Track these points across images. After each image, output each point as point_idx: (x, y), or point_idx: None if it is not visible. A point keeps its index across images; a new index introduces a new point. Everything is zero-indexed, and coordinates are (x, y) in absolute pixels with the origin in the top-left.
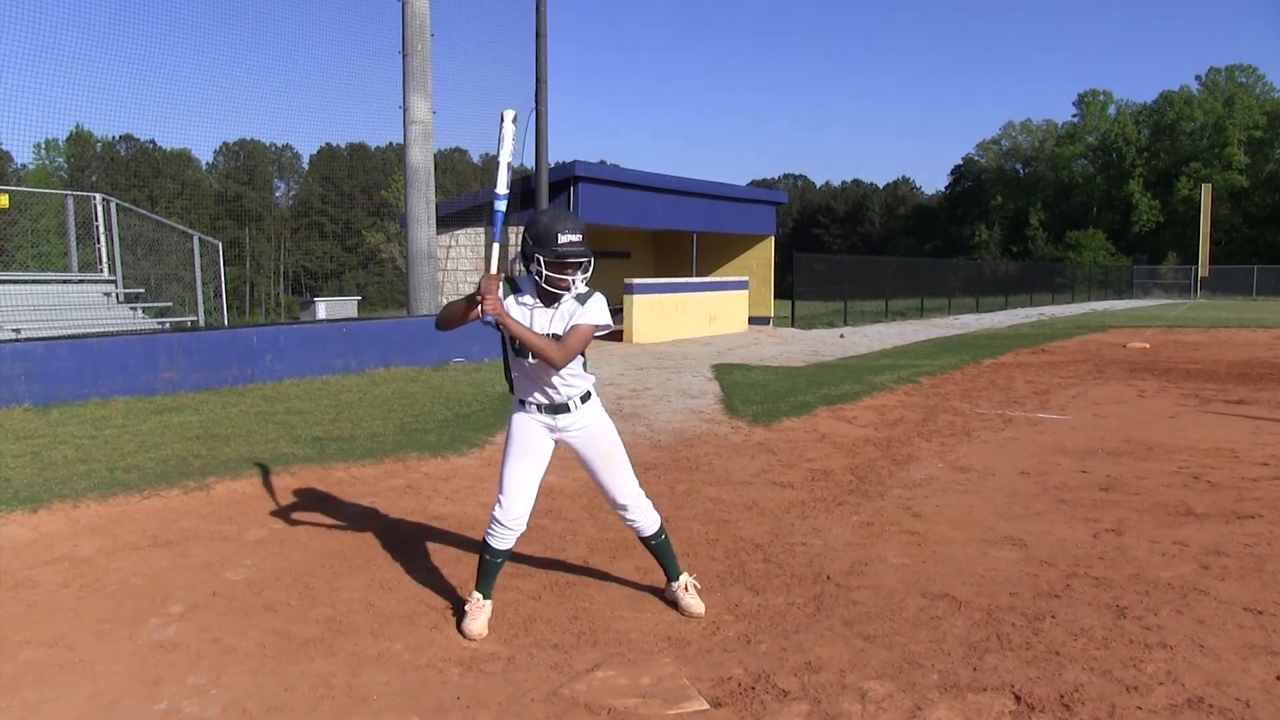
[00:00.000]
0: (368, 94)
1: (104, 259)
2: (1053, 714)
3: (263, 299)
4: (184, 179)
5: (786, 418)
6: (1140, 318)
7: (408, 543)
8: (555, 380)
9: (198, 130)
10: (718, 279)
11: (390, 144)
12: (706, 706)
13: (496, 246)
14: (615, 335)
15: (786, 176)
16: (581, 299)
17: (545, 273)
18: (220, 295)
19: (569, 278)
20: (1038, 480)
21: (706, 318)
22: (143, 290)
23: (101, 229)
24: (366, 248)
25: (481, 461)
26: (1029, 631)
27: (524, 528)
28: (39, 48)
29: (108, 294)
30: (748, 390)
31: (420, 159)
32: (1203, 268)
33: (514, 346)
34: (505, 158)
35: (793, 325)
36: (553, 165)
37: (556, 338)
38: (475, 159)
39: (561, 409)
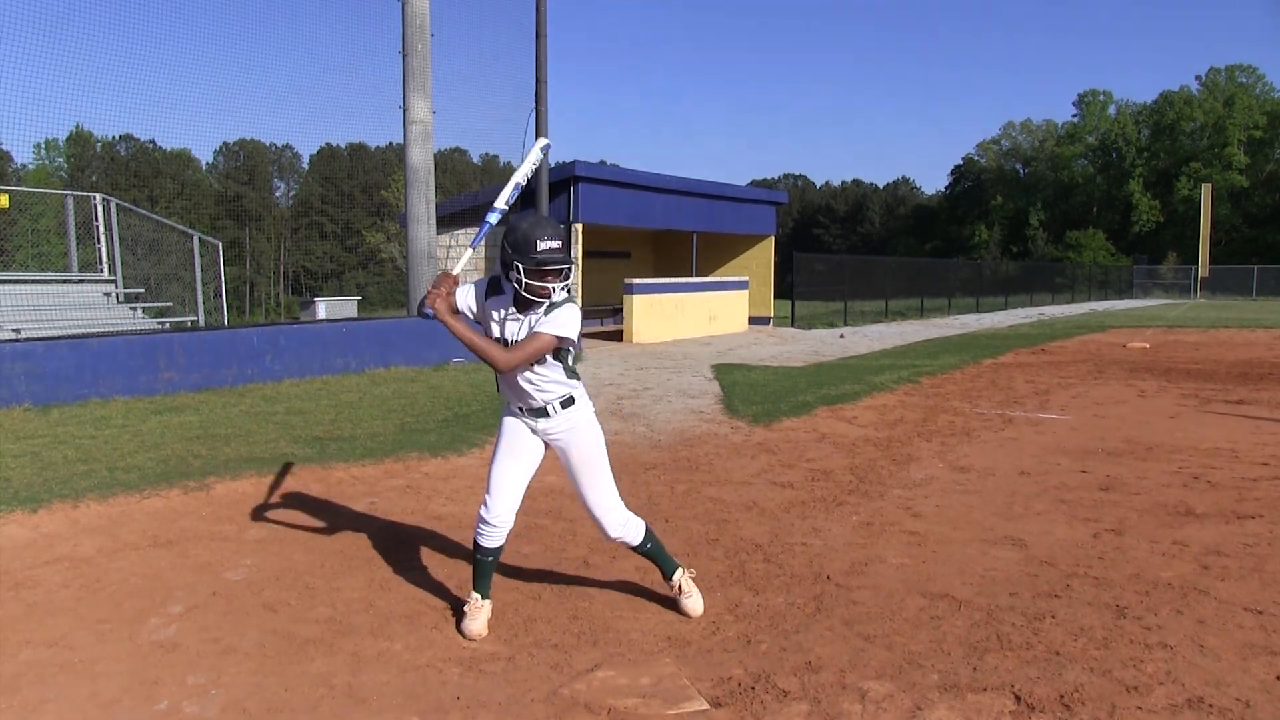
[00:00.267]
0: (368, 94)
1: (104, 259)
2: (1053, 714)
3: (263, 299)
4: (184, 179)
5: (786, 418)
6: (1140, 318)
7: (408, 543)
8: (533, 382)
9: (198, 130)
10: (718, 279)
11: (390, 144)
12: (706, 706)
13: (469, 252)
14: (615, 335)
15: (786, 176)
16: (551, 307)
17: (525, 280)
18: (220, 295)
19: (549, 285)
20: (1038, 480)
21: (706, 318)
22: (143, 290)
23: (101, 229)
24: (366, 248)
25: (481, 461)
26: (1029, 631)
27: (511, 524)
28: (39, 48)
29: (108, 294)
30: (748, 390)
31: (420, 159)
32: (1203, 268)
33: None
34: (518, 177)
35: (793, 325)
36: (552, 165)
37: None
38: (475, 159)
39: (540, 413)
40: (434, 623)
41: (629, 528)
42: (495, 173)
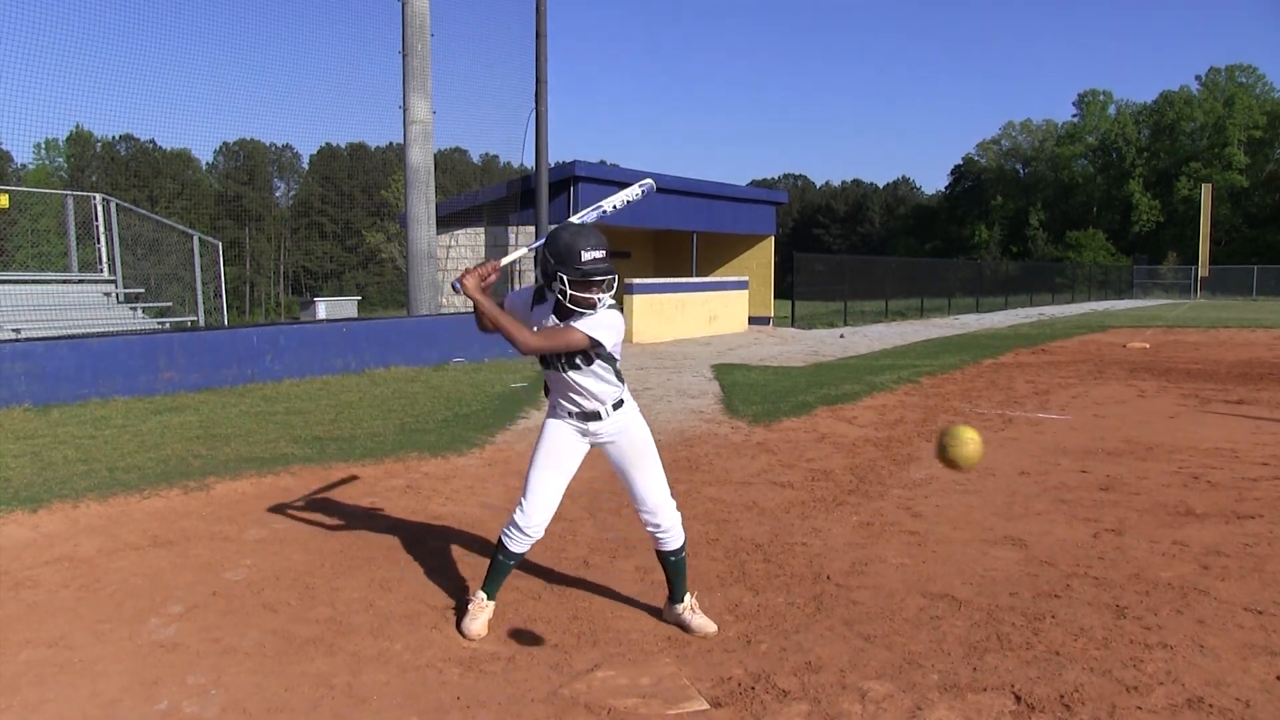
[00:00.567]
0: (368, 94)
1: (104, 259)
2: (1053, 714)
3: (263, 299)
4: (184, 179)
5: (786, 418)
6: (1140, 318)
7: (408, 543)
8: (586, 387)
9: (198, 130)
10: (718, 279)
11: (390, 144)
12: (706, 706)
13: (524, 250)
14: None
15: (786, 176)
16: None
17: (570, 292)
18: (220, 295)
19: (594, 295)
20: (1038, 480)
21: (706, 318)
22: (143, 290)
23: (101, 229)
24: (366, 248)
25: (481, 461)
26: (1029, 631)
27: (542, 534)
28: (39, 48)
29: (108, 294)
30: (748, 390)
31: (420, 159)
32: (1203, 268)
33: (543, 357)
34: (605, 205)
35: (793, 325)
36: (553, 165)
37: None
38: (475, 159)
39: (593, 416)
40: (434, 623)
41: (677, 526)
42: (495, 172)
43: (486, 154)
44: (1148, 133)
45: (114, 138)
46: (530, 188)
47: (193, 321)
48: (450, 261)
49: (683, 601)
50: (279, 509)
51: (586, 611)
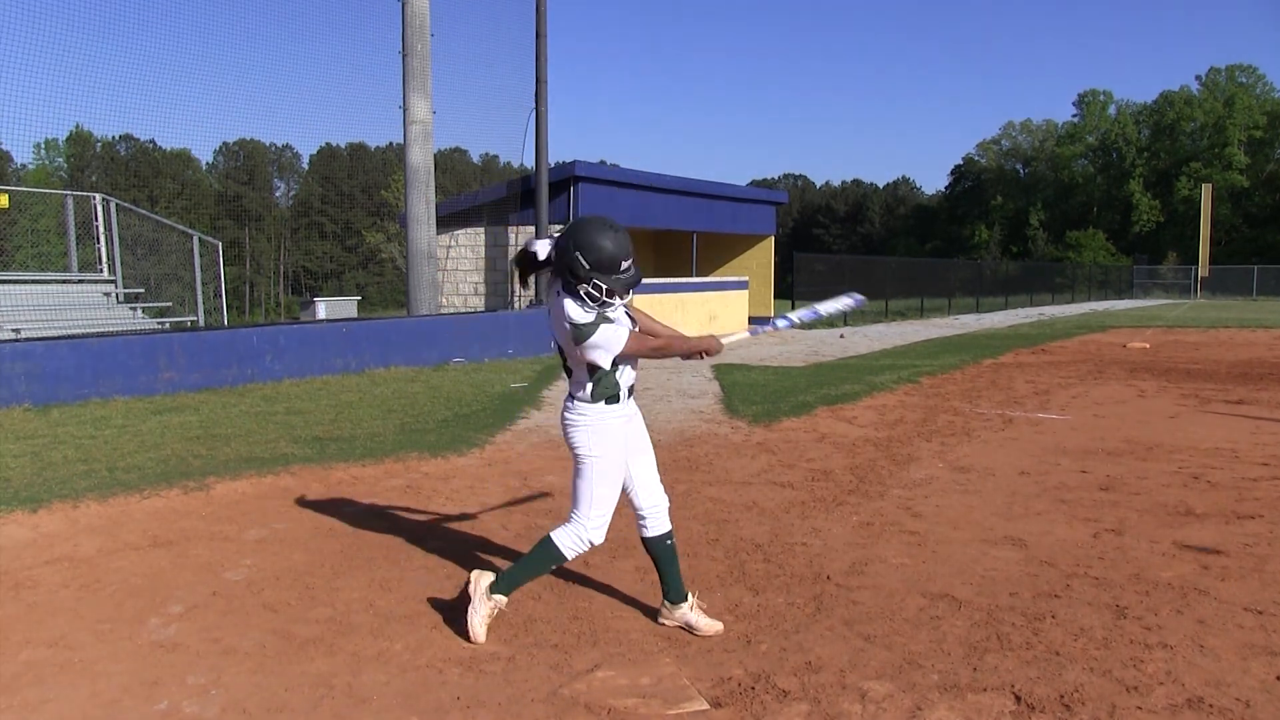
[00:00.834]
0: (368, 94)
1: (104, 259)
2: (1053, 714)
3: (263, 299)
4: (184, 179)
5: (786, 418)
6: (1140, 318)
7: (408, 543)
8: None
9: (198, 130)
10: (718, 279)
11: (390, 144)
12: (706, 706)
13: (745, 334)
14: None
15: (786, 176)
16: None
17: (604, 299)
18: (220, 295)
19: (613, 302)
20: (1038, 480)
21: (706, 318)
22: (143, 290)
23: (101, 229)
24: (366, 248)
25: (481, 461)
26: (1029, 631)
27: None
28: (39, 48)
29: (108, 294)
30: (748, 390)
31: (420, 159)
32: (1203, 268)
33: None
34: (820, 308)
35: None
36: (553, 165)
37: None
38: (475, 159)
39: (630, 392)
40: (434, 623)
41: (665, 508)
42: (495, 172)
43: (486, 154)
44: (1148, 133)
45: (114, 138)
46: (530, 188)
47: (193, 321)
48: (450, 261)
49: (687, 600)
50: (279, 509)
51: (586, 611)
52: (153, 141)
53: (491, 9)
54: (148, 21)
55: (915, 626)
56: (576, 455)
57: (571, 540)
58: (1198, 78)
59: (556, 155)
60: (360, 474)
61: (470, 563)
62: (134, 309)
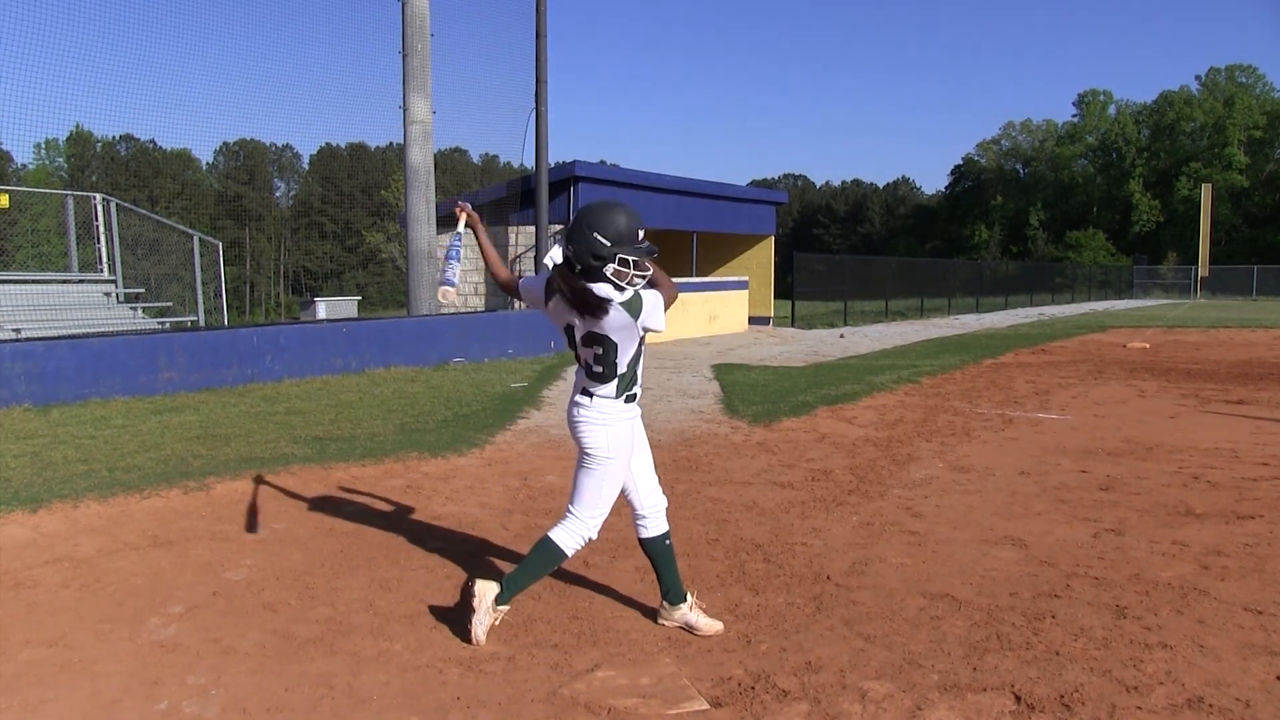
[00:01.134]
0: (368, 94)
1: (104, 259)
2: (1053, 714)
3: (263, 299)
4: (184, 179)
5: (786, 418)
6: (1140, 318)
7: (408, 543)
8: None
9: (198, 130)
10: (718, 279)
11: (390, 144)
12: (706, 706)
13: (557, 251)
14: None
15: (786, 176)
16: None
17: (631, 273)
18: (220, 295)
19: (645, 272)
20: (1038, 480)
21: (706, 318)
22: (143, 290)
23: (101, 229)
24: (366, 248)
25: (481, 461)
26: (1029, 631)
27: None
28: (40, 47)
29: (108, 294)
30: (748, 390)
31: (420, 159)
32: (1203, 268)
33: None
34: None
35: (793, 325)
36: (553, 165)
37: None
38: (475, 159)
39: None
40: (434, 623)
41: (665, 507)
42: (495, 172)
43: (486, 154)
44: (1148, 133)
45: (114, 138)
46: (530, 188)
47: (193, 321)
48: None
49: (686, 600)
50: (279, 509)
51: (586, 611)
52: (153, 141)
53: (491, 9)
54: (148, 22)
55: (915, 626)
56: (590, 454)
57: (572, 539)
58: (1198, 78)
59: (556, 155)
60: (360, 474)
61: (470, 562)
62: (134, 309)
